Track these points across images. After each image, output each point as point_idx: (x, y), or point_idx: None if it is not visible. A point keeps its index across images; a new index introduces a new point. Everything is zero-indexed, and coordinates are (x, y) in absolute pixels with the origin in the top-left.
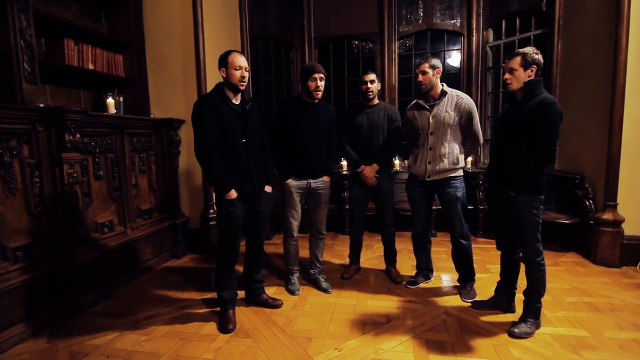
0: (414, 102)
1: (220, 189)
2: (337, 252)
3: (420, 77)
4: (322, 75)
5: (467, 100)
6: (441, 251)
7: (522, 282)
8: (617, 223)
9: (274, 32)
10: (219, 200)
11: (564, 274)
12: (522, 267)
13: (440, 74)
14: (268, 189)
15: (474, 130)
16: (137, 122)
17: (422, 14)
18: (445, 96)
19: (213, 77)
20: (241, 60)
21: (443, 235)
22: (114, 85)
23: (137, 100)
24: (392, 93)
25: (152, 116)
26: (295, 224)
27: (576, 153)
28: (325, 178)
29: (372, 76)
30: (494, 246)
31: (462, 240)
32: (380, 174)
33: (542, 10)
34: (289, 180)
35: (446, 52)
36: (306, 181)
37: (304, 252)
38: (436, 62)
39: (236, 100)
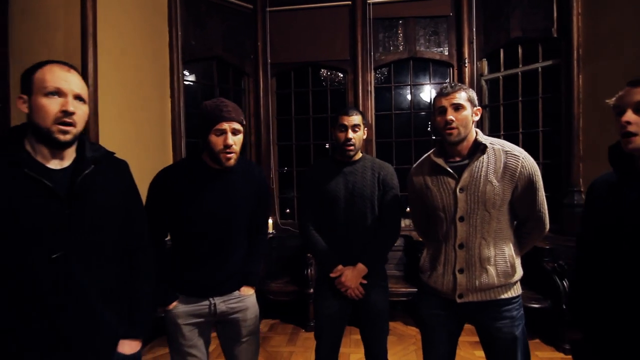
0: (424, 158)
1: None
2: None
3: (452, 115)
4: (236, 127)
5: (525, 159)
6: None
7: None
8: None
9: (219, 54)
10: None
11: None
12: None
13: (479, 115)
14: (128, 348)
15: (538, 209)
16: None
17: (402, 40)
18: (483, 152)
19: (108, 106)
20: (61, 78)
21: None
22: None
23: None
24: (369, 134)
25: None
26: None
27: None
28: (246, 290)
29: (357, 118)
30: None
31: None
32: (368, 280)
33: (552, 37)
34: (174, 303)
35: (432, 86)
36: (207, 302)
37: None
38: (474, 94)
39: (60, 161)
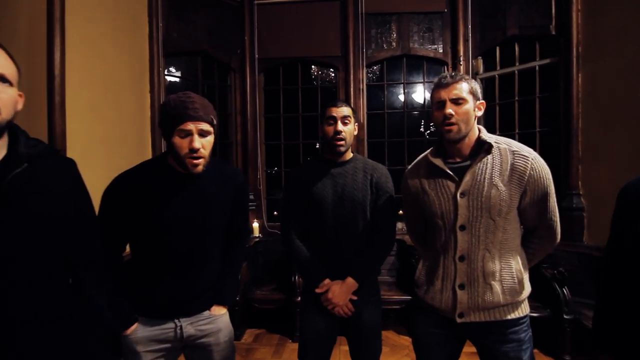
0: (420, 159)
1: None
2: None
3: (452, 108)
4: (204, 127)
5: (535, 160)
6: None
7: None
8: None
9: (204, 48)
10: None
11: None
12: None
13: (483, 110)
14: None
15: (549, 218)
16: None
17: (395, 37)
18: (488, 152)
19: (78, 100)
20: None
21: None
22: None
23: None
24: (360, 133)
25: None
26: None
27: None
28: (217, 310)
29: (346, 110)
30: None
31: None
32: (359, 295)
33: (550, 34)
34: (133, 326)
35: (426, 84)
36: (172, 324)
37: None
38: (477, 85)
39: None
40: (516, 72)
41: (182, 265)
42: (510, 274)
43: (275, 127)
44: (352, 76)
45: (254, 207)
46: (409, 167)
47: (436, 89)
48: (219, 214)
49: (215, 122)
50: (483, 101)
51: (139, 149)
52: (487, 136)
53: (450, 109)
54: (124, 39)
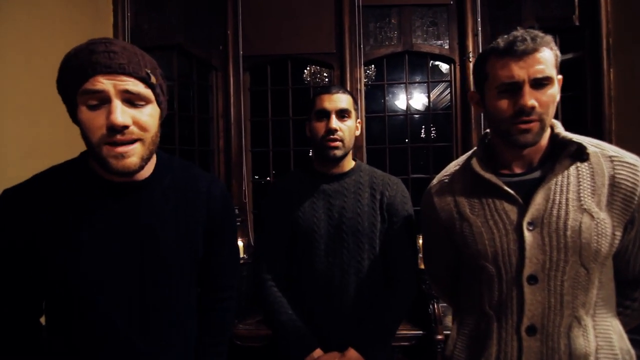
0: (455, 167)
1: None
2: None
3: (532, 97)
4: (131, 86)
5: None
6: None
7: None
8: None
9: (179, 42)
10: None
11: None
12: None
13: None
14: None
15: None
16: None
17: (396, 31)
18: (579, 158)
19: (18, 97)
20: None
21: None
22: None
23: None
24: (358, 140)
25: None
26: None
27: None
28: None
29: (344, 98)
30: None
31: None
32: None
33: (573, 25)
34: None
35: (431, 84)
36: None
37: None
38: (558, 51)
39: None
40: None
41: (120, 346)
42: (613, 356)
43: (263, 133)
44: (348, 75)
45: (238, 223)
46: (436, 180)
47: (502, 57)
48: (182, 251)
49: (156, 81)
50: (560, 76)
51: None
52: (566, 133)
53: (532, 99)
54: (82, 30)
